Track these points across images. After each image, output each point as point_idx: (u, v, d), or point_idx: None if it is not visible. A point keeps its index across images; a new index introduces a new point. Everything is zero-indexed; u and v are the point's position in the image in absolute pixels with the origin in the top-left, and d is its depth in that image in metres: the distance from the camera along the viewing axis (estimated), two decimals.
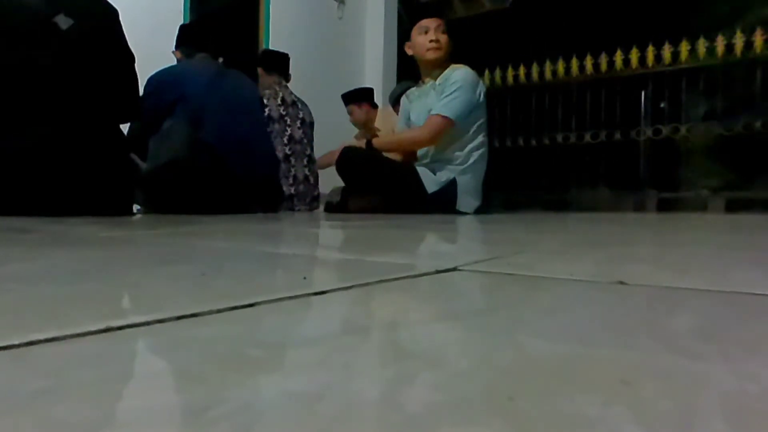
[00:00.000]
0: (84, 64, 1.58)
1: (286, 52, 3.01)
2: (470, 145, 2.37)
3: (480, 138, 2.39)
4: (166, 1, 3.21)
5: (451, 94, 2.30)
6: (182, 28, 2.45)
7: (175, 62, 2.39)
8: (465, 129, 2.35)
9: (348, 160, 2.35)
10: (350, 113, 3.42)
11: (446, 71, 2.39)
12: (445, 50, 2.43)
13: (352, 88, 3.45)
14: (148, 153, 2.09)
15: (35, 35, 1.49)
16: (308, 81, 3.38)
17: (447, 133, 2.32)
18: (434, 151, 2.41)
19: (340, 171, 2.39)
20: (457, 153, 2.36)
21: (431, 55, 2.41)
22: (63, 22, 1.51)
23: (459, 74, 2.34)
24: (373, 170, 2.32)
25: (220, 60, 2.39)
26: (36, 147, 1.51)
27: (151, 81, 2.14)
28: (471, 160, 2.37)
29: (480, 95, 2.36)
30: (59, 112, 1.54)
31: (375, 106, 3.43)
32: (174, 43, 2.42)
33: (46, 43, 1.52)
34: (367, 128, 3.38)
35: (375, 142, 2.45)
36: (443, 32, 2.44)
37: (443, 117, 2.29)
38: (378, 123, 3.34)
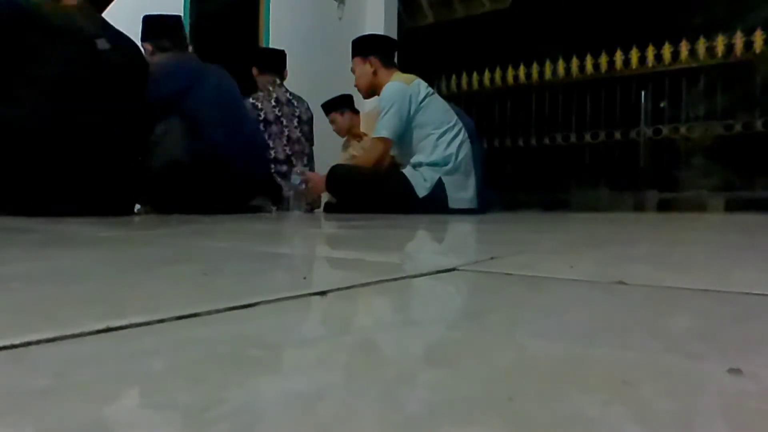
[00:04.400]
0: (111, 80, 1.72)
1: (282, 49, 3.00)
2: (442, 144, 2.38)
3: (449, 133, 2.40)
4: (166, 1, 3.20)
5: (381, 114, 2.38)
6: (151, 19, 2.35)
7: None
8: (416, 135, 2.38)
9: (336, 179, 2.37)
10: (332, 122, 3.38)
11: (383, 89, 2.46)
12: (361, 83, 2.55)
13: (330, 97, 3.44)
14: (146, 158, 2.07)
15: (76, 49, 1.65)
16: (308, 81, 3.38)
17: (389, 149, 2.42)
18: (405, 157, 2.46)
19: (330, 190, 2.43)
20: (430, 154, 2.37)
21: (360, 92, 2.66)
22: (102, 44, 1.71)
23: (384, 93, 2.41)
24: (362, 184, 2.33)
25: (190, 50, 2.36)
26: (41, 146, 1.54)
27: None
28: (452, 157, 2.37)
29: (411, 99, 2.36)
30: (75, 118, 1.61)
31: (356, 112, 3.41)
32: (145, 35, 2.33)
33: (82, 56, 1.66)
34: (352, 135, 3.36)
35: (335, 165, 2.53)
36: (352, 70, 2.58)
37: (379, 138, 2.38)
38: (363, 127, 3.30)
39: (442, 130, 2.38)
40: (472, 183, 2.44)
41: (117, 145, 1.75)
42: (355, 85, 2.61)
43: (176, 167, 1.99)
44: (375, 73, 2.50)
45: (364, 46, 2.56)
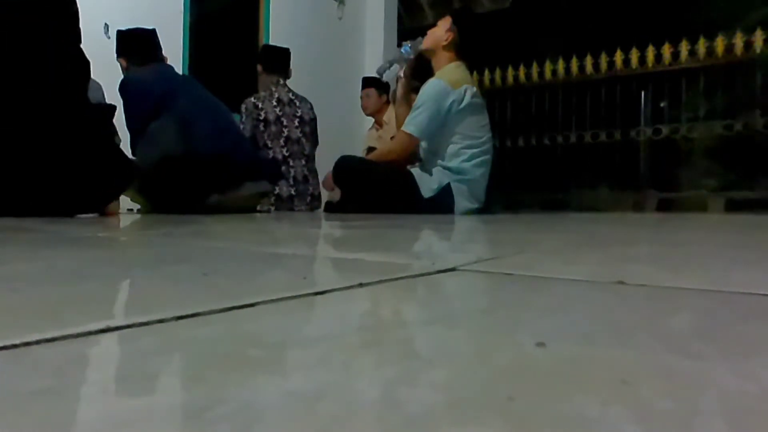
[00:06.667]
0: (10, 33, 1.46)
1: (287, 47, 3.01)
2: (463, 155, 2.34)
3: (474, 149, 2.35)
4: (166, 1, 3.21)
5: (416, 109, 2.33)
6: (126, 35, 2.32)
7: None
8: (444, 138, 2.34)
9: (343, 170, 2.35)
10: (366, 96, 3.45)
11: (427, 81, 2.40)
12: (430, 39, 2.46)
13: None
14: (137, 157, 2.07)
15: None
16: (308, 81, 3.38)
17: (413, 147, 2.37)
18: (424, 157, 2.43)
19: (337, 181, 2.41)
20: (449, 160, 2.35)
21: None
22: None
23: (425, 88, 2.35)
24: (368, 178, 2.32)
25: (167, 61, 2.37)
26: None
27: (130, 84, 2.11)
28: (468, 171, 2.34)
29: (452, 104, 2.30)
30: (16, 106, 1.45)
31: (388, 102, 3.47)
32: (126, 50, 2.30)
33: None
34: (376, 119, 3.45)
35: (343, 157, 2.46)
36: (436, 24, 2.49)
37: (407, 133, 2.33)
38: (386, 117, 3.40)
39: (467, 143, 2.34)
40: (479, 202, 2.41)
41: (41, 114, 1.47)
42: (427, 33, 2.52)
43: (171, 161, 2.00)
44: (446, 46, 2.42)
45: (460, 16, 2.50)
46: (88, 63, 1.66)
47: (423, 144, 2.45)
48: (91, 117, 1.64)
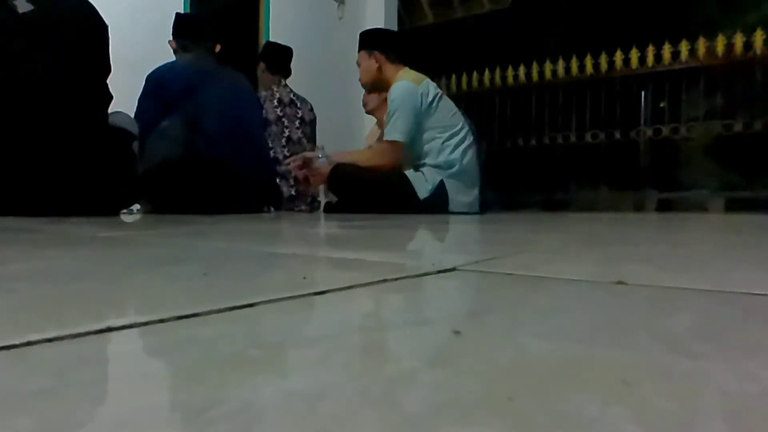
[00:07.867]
0: (48, 50, 1.51)
1: (289, 46, 3.00)
2: (447, 148, 2.34)
3: (455, 138, 2.36)
4: (166, 1, 3.20)
5: (392, 116, 2.32)
6: (180, 17, 2.41)
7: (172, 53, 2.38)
8: (426, 137, 2.34)
9: (338, 178, 2.35)
10: (367, 93, 3.45)
11: (391, 88, 2.40)
12: (365, 78, 2.51)
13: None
14: (144, 153, 2.08)
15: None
16: (308, 81, 3.38)
17: (401, 152, 2.35)
18: (410, 159, 2.43)
19: (332, 189, 2.40)
20: (436, 157, 2.34)
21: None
22: (21, 6, 1.46)
23: (394, 93, 2.35)
24: (364, 185, 2.31)
25: (217, 50, 2.38)
26: (14, 144, 1.48)
27: (149, 80, 2.15)
28: (456, 162, 2.34)
29: (423, 99, 2.31)
30: (32, 107, 1.49)
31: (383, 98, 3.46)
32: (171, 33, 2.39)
33: (7, 31, 1.46)
34: (377, 117, 3.43)
35: (338, 164, 2.40)
36: (358, 63, 2.52)
37: (392, 141, 2.31)
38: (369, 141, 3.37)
39: (448, 134, 2.35)
40: (474, 189, 2.42)
41: (68, 122, 1.53)
42: (359, 79, 2.57)
43: (171, 164, 2.01)
44: (379, 68, 2.45)
45: (369, 40, 2.52)
46: (110, 95, 1.74)
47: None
48: (100, 124, 1.69)
